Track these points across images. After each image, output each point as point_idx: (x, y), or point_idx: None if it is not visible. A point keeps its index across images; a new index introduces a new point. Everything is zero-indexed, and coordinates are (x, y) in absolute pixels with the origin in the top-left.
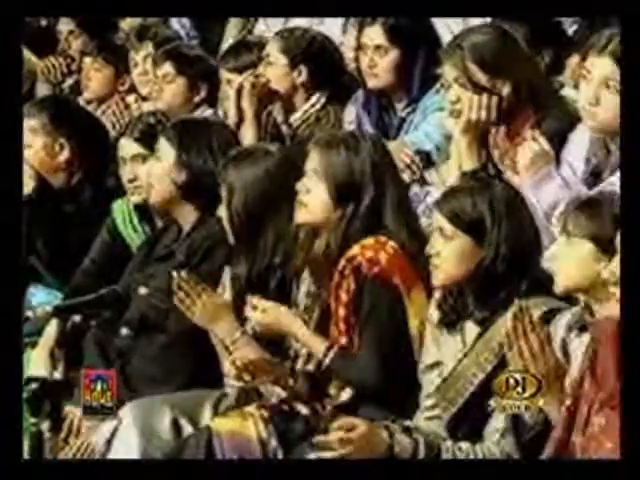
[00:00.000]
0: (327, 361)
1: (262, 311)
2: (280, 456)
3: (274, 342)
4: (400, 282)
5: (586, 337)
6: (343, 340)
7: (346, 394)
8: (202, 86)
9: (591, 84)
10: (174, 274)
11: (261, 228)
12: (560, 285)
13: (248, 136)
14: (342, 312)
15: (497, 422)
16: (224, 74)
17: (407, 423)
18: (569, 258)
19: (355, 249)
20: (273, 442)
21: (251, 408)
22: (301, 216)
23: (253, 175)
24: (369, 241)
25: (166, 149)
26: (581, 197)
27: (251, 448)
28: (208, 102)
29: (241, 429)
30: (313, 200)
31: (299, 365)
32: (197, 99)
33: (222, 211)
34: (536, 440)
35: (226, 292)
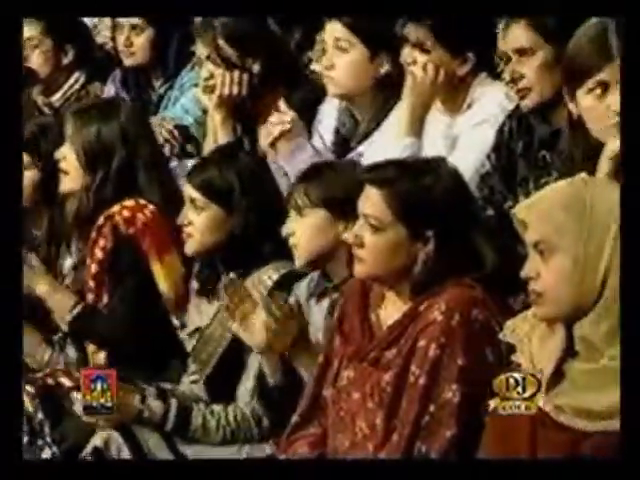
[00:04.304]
0: (70, 317)
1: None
2: (47, 429)
3: None
4: (152, 246)
5: (325, 302)
6: (90, 297)
7: (100, 357)
8: None
9: (327, 50)
10: None
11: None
12: (300, 258)
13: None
14: (94, 269)
15: (247, 383)
16: None
17: (164, 386)
18: (305, 231)
19: (115, 208)
20: (40, 416)
21: None
22: (63, 185)
23: None
24: (130, 202)
25: None
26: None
27: None
28: None
29: None
30: (69, 167)
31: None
32: None
33: None
34: (283, 399)
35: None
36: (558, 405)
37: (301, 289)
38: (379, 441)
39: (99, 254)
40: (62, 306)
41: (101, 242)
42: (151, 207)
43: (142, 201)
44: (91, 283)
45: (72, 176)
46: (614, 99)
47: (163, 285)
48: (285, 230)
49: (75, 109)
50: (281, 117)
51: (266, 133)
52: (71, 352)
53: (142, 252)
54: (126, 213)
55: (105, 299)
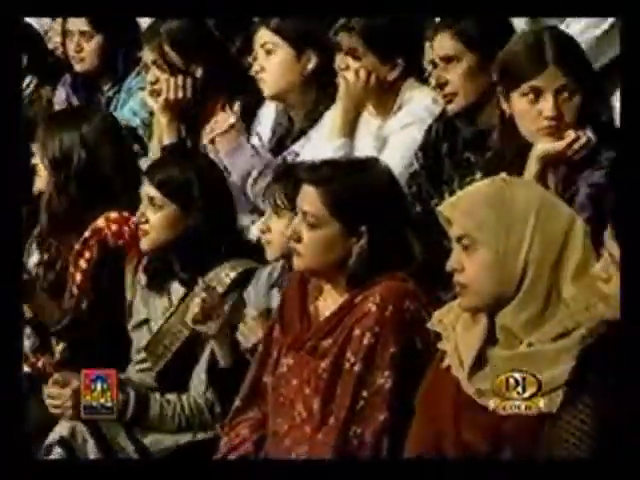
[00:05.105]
0: (56, 329)
1: None
2: None
3: None
4: (134, 257)
5: None
6: (70, 302)
7: (58, 348)
8: None
9: (257, 55)
10: None
11: None
12: (273, 255)
13: None
14: (79, 278)
15: (202, 374)
16: None
17: (120, 376)
18: (280, 230)
19: (101, 221)
20: None
21: None
22: (36, 185)
23: None
24: (114, 214)
25: None
26: (274, 170)
27: None
28: None
29: None
30: (40, 170)
31: None
32: None
33: None
34: (232, 382)
35: None
36: (480, 389)
37: (262, 279)
38: (316, 425)
39: (84, 265)
40: (44, 316)
41: (87, 254)
42: (133, 218)
43: (125, 213)
44: (74, 290)
45: (42, 178)
46: (546, 105)
47: (130, 293)
48: (259, 226)
49: (46, 116)
50: (224, 118)
51: (209, 130)
52: (30, 339)
53: (124, 262)
54: (114, 227)
55: (84, 305)
